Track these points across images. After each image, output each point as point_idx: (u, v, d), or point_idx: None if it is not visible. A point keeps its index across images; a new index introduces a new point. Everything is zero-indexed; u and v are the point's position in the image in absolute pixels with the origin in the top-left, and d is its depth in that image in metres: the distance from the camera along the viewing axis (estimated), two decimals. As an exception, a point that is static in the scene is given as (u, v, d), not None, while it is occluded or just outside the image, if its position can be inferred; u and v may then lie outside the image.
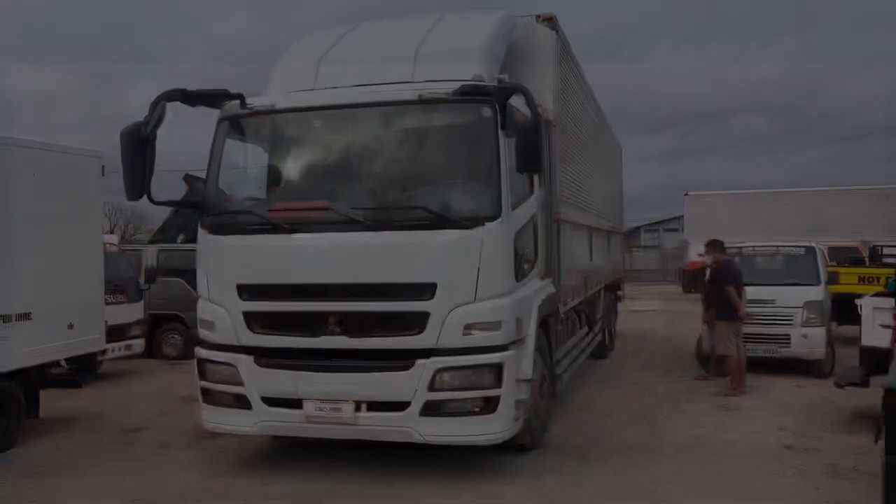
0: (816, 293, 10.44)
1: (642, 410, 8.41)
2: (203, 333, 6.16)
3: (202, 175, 6.41)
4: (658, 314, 20.87)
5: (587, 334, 9.88)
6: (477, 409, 5.57)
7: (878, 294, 7.50)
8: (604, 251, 11.42)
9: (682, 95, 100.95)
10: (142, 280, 11.71)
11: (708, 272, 10.90)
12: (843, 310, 10.52)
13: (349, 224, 5.61)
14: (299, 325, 5.79)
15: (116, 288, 10.45)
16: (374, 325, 5.66)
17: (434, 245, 5.55)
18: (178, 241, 14.08)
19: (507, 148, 5.64)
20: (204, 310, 6.11)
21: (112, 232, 29.04)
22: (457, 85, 5.50)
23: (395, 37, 6.72)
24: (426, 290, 5.51)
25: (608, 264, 11.93)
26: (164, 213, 16.23)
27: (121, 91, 66.72)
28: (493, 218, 5.53)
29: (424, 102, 5.66)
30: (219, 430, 6.27)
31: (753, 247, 11.36)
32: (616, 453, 6.63)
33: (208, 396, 6.12)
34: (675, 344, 14.71)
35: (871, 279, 12.83)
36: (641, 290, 28.26)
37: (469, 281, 5.50)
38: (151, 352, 12.31)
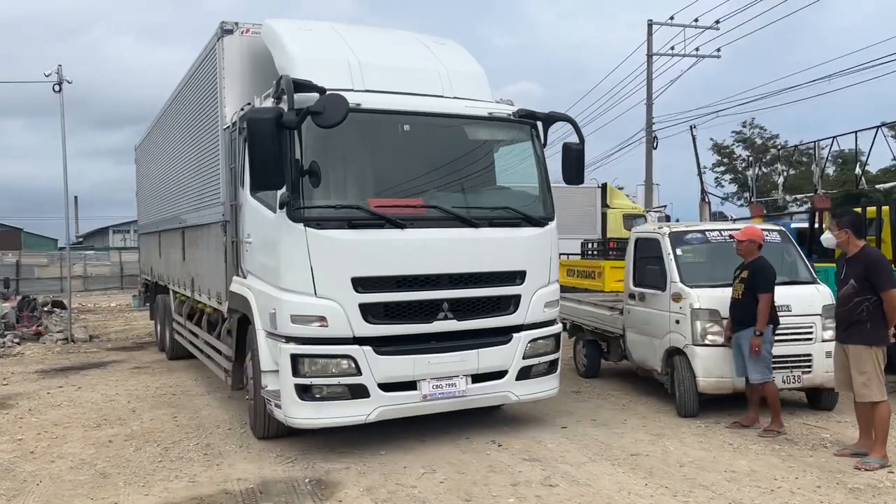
0: (828, 295, 7.66)
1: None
2: (298, 329, 5.93)
3: None
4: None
5: None
6: (545, 371, 6.84)
7: None
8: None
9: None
10: None
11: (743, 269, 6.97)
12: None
13: (449, 221, 6.33)
14: (416, 312, 6.20)
15: None
16: (478, 308, 6.43)
17: (523, 239, 6.70)
18: None
19: None
20: (305, 306, 5.92)
21: None
22: (511, 108, 6.97)
23: (400, 48, 7.27)
24: (519, 277, 6.61)
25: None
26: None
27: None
28: (551, 218, 6.89)
29: (495, 120, 6.85)
30: (323, 426, 6.16)
31: (704, 231, 8.11)
32: None
33: (308, 393, 5.92)
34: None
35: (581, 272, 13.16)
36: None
37: (545, 268, 6.82)
38: None
